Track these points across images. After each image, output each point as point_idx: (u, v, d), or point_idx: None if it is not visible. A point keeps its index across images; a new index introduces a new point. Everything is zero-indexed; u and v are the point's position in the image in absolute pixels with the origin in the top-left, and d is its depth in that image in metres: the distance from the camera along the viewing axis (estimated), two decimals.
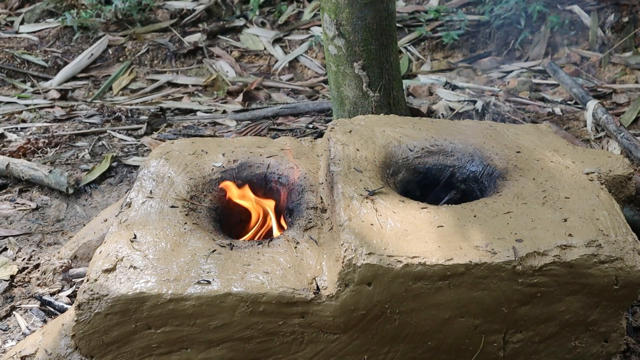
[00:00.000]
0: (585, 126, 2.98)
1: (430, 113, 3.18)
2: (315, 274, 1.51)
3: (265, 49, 4.10)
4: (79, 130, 3.25)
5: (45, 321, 1.97)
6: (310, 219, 1.70)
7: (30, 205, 2.60)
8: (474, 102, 3.25)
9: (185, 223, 1.66)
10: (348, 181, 1.71)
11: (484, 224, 1.55)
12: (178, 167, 1.89)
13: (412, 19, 4.10)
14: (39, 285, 2.13)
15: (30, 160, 2.89)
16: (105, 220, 2.14)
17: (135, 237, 1.60)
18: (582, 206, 1.61)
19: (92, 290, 1.47)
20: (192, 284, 1.47)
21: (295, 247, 1.59)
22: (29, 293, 2.10)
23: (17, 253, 2.31)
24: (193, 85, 3.83)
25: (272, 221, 1.79)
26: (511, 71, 3.68)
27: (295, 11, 4.34)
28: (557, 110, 3.21)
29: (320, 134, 2.96)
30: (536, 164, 1.82)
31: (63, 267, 2.13)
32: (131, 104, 3.58)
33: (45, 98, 3.69)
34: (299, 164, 1.92)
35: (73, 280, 2.10)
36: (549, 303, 1.51)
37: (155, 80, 3.88)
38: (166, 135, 3.17)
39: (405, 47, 3.92)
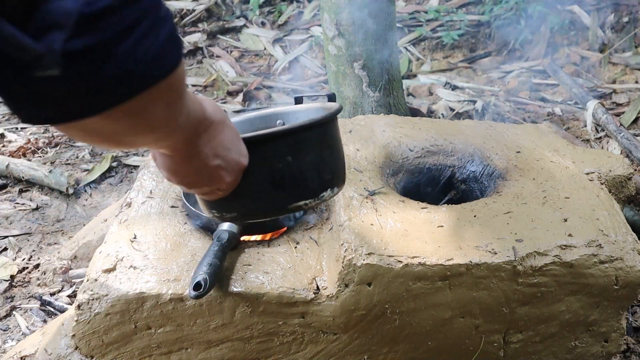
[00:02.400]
0: (585, 126, 2.98)
1: (430, 113, 3.18)
2: (315, 274, 1.51)
3: (265, 49, 4.10)
4: None
5: (45, 321, 1.97)
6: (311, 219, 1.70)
7: (30, 205, 2.60)
8: (474, 102, 3.25)
9: (185, 223, 1.66)
10: (348, 181, 1.71)
11: (484, 224, 1.55)
12: None
13: (412, 19, 4.10)
14: (39, 285, 2.13)
15: (30, 160, 2.89)
16: (105, 220, 2.14)
17: (135, 237, 1.60)
18: (582, 206, 1.61)
19: (92, 290, 1.47)
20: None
21: (295, 247, 1.59)
22: (29, 293, 2.10)
23: (17, 253, 2.31)
24: (193, 85, 3.83)
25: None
26: (511, 71, 3.68)
27: (295, 11, 4.34)
28: (557, 110, 3.21)
29: None
30: (536, 164, 1.82)
31: (63, 269, 2.13)
32: None
33: None
34: None
35: (73, 281, 2.10)
36: (549, 303, 1.51)
37: None
38: None
39: (405, 47, 3.92)
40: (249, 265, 1.53)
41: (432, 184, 1.93)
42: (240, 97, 3.61)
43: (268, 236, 1.63)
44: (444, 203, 1.85)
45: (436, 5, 4.17)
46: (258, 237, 1.63)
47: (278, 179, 1.11)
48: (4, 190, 2.71)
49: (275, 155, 1.10)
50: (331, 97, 1.33)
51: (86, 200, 2.66)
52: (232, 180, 1.04)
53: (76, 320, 1.48)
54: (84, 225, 2.38)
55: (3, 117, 3.44)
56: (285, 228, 1.65)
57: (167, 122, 0.79)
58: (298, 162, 1.12)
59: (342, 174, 1.23)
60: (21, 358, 1.65)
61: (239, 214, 1.14)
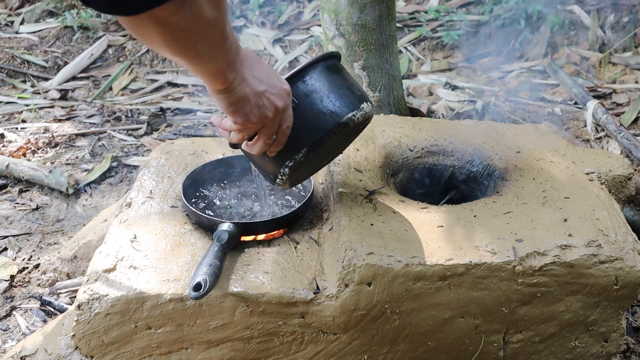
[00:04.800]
0: (585, 126, 2.98)
1: (430, 113, 3.18)
2: (315, 274, 1.51)
3: (265, 49, 4.10)
4: (79, 130, 3.25)
5: (45, 321, 1.97)
6: (310, 219, 1.70)
7: (30, 205, 2.60)
8: (474, 102, 3.25)
9: (185, 223, 1.66)
10: (348, 181, 1.71)
11: (484, 224, 1.55)
12: (178, 167, 1.89)
13: (412, 19, 4.10)
14: (39, 285, 2.13)
15: (30, 160, 2.89)
16: (105, 220, 2.14)
17: (135, 237, 1.60)
18: (582, 206, 1.61)
19: (92, 290, 1.47)
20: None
21: (295, 247, 1.59)
22: (29, 293, 2.10)
23: (17, 253, 2.31)
24: (193, 85, 3.83)
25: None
26: (511, 71, 3.68)
27: (295, 11, 4.34)
28: (557, 110, 3.21)
29: None
30: (536, 164, 1.83)
31: (50, 281, 2.12)
32: (131, 104, 3.58)
33: (45, 98, 3.69)
34: None
35: (60, 292, 2.08)
36: (549, 303, 1.51)
37: (155, 80, 3.88)
38: (166, 135, 3.17)
39: (405, 47, 3.92)
40: (249, 265, 1.53)
41: (432, 184, 1.93)
42: None
43: (268, 236, 1.63)
44: (444, 203, 1.85)
45: (436, 5, 4.17)
46: (258, 237, 1.63)
47: (324, 101, 1.37)
48: (4, 190, 2.72)
49: (315, 82, 1.37)
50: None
51: (86, 200, 2.66)
52: (284, 105, 1.27)
53: (76, 320, 1.48)
54: (84, 225, 2.38)
55: (3, 117, 3.44)
56: (285, 229, 1.65)
57: (218, 23, 1.01)
58: (333, 83, 1.40)
59: (366, 94, 1.49)
60: (21, 358, 1.65)
61: (308, 147, 1.37)
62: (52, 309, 2.01)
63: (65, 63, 4.00)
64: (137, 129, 3.25)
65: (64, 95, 3.71)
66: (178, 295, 1.45)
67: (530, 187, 1.71)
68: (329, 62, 1.45)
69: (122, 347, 1.52)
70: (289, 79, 1.34)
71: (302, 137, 1.36)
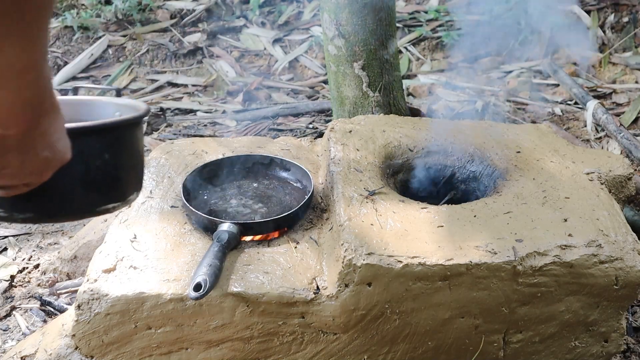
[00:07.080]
0: (585, 126, 2.98)
1: (430, 113, 3.18)
2: (315, 274, 1.51)
3: (265, 49, 4.09)
4: None
5: (45, 321, 1.97)
6: (310, 219, 1.70)
7: None
8: (474, 102, 3.24)
9: (185, 223, 1.66)
10: (348, 181, 1.71)
11: (484, 224, 1.55)
12: (178, 167, 1.89)
13: (412, 19, 4.10)
14: (39, 285, 2.13)
15: None
16: (105, 220, 2.14)
17: (135, 237, 1.60)
18: (582, 206, 1.61)
19: (92, 290, 1.47)
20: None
21: (295, 247, 1.59)
22: (29, 293, 2.10)
23: (17, 253, 2.31)
24: (193, 85, 3.83)
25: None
26: (511, 71, 3.68)
27: (295, 11, 4.33)
28: (557, 110, 3.21)
29: (320, 134, 2.95)
30: (536, 164, 1.82)
31: (50, 282, 2.12)
32: None
33: None
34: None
35: (60, 292, 2.08)
36: (549, 303, 1.51)
37: (155, 80, 3.88)
38: (166, 135, 3.17)
39: (405, 47, 3.92)
40: (249, 265, 1.53)
41: (432, 184, 1.93)
42: (240, 97, 3.60)
43: (268, 236, 1.63)
44: (444, 203, 1.85)
45: (436, 5, 4.17)
46: (258, 237, 1.63)
47: (92, 178, 0.99)
48: None
49: (94, 151, 0.98)
50: (118, 92, 1.31)
51: None
52: (48, 177, 0.88)
53: (76, 320, 1.48)
54: (84, 225, 2.38)
55: None
56: (285, 228, 1.65)
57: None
58: (115, 160, 1.02)
59: (141, 180, 1.15)
60: (21, 358, 1.65)
61: (36, 215, 0.99)
62: (52, 309, 2.01)
63: (65, 63, 4.00)
64: None
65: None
66: (178, 295, 1.45)
67: (530, 187, 1.71)
68: (133, 130, 1.08)
69: (122, 347, 1.52)
70: (75, 130, 0.92)
71: (33, 203, 0.97)
